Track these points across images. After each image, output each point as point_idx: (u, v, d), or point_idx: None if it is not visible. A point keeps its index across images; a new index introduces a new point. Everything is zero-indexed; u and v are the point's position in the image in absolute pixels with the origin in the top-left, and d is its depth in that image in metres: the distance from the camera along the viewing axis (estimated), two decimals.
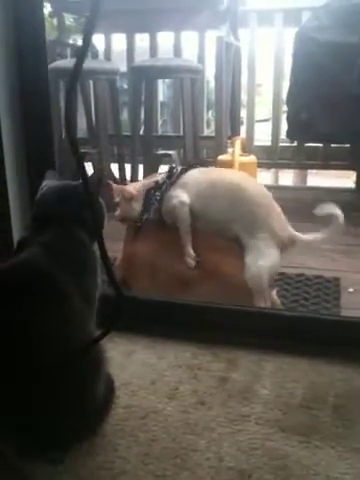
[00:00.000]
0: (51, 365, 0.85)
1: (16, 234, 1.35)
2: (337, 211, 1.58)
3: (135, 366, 1.27)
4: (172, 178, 1.70)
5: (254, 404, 1.12)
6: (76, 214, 1.01)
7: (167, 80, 4.20)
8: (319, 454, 0.98)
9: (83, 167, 0.85)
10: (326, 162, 3.17)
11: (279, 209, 1.65)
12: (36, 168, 1.40)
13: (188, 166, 1.77)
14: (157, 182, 1.71)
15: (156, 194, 1.70)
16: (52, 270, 0.92)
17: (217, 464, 0.96)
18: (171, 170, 1.72)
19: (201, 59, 3.31)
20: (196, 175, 1.71)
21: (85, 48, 0.75)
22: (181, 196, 1.67)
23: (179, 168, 1.73)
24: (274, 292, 1.68)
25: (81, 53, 0.75)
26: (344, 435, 1.03)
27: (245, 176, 1.79)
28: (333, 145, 3.09)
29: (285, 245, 1.61)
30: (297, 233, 1.64)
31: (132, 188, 1.75)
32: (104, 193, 1.13)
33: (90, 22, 0.71)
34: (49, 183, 1.07)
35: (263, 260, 1.58)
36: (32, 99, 1.36)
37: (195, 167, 1.77)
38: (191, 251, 1.65)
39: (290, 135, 3.02)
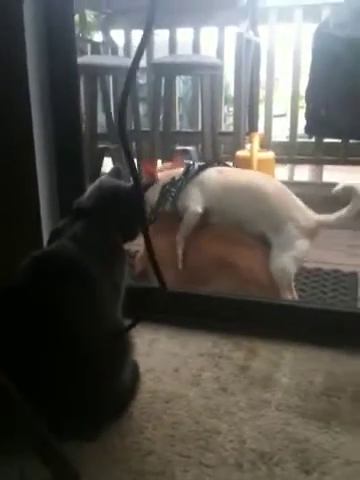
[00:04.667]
0: (83, 348, 0.90)
1: (45, 225, 1.40)
2: (357, 188, 1.58)
3: (159, 354, 1.31)
4: (189, 175, 1.73)
5: (275, 391, 1.16)
6: (109, 212, 1.06)
7: (184, 76, 4.22)
8: (339, 439, 1.02)
9: (134, 168, 0.90)
10: (345, 158, 3.18)
11: (299, 200, 1.68)
12: (64, 161, 1.45)
13: (206, 164, 1.79)
14: (173, 178, 1.74)
15: (171, 190, 1.73)
16: (82, 259, 0.97)
17: (240, 446, 1.00)
18: (188, 167, 1.75)
19: (220, 54, 3.33)
20: (213, 175, 1.73)
21: (142, 48, 0.79)
22: (195, 203, 1.69)
23: (196, 165, 1.76)
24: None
25: (137, 54, 0.78)
26: None
27: (261, 175, 1.81)
28: (352, 141, 3.09)
29: (313, 232, 1.64)
30: (321, 216, 1.66)
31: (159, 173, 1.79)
32: None
33: (148, 22, 0.74)
34: (104, 180, 1.12)
35: (288, 253, 1.61)
36: (62, 94, 1.40)
37: (213, 165, 1.78)
38: (180, 253, 1.70)
39: (308, 131, 3.02)
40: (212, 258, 1.66)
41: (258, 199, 1.66)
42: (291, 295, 1.63)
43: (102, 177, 1.15)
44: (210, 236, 1.71)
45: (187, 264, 1.70)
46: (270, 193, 1.66)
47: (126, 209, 1.05)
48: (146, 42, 0.79)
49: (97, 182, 1.12)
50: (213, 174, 1.74)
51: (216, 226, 1.72)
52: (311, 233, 1.64)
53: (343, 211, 1.62)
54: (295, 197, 1.69)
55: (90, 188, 1.11)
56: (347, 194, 1.60)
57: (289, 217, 1.63)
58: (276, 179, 1.78)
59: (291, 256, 1.61)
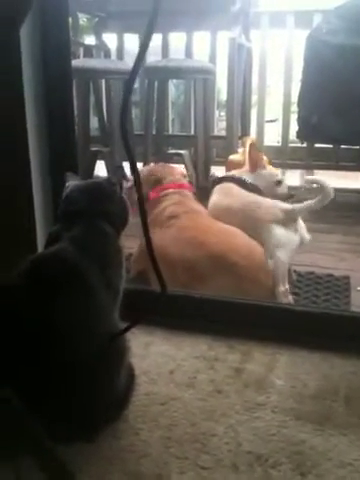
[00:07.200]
0: (79, 351, 0.90)
1: (40, 229, 1.40)
2: (325, 182, 1.73)
3: (154, 356, 1.31)
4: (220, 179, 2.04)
5: (269, 393, 1.17)
6: (102, 209, 1.07)
7: (175, 80, 4.24)
8: (332, 441, 1.03)
9: (136, 170, 0.91)
10: (336, 163, 3.20)
11: (266, 202, 1.84)
12: (58, 164, 1.45)
13: (225, 178, 2.04)
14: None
15: None
16: (79, 263, 0.97)
17: (235, 448, 1.00)
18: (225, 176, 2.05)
19: (212, 59, 3.34)
20: (220, 193, 1.97)
21: (143, 50, 0.79)
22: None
23: (236, 176, 2.01)
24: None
25: (139, 56, 0.79)
26: (356, 424, 1.08)
27: (235, 200, 1.90)
28: (343, 146, 3.12)
29: (287, 221, 1.76)
30: (289, 206, 1.79)
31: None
32: None
33: (149, 25, 0.75)
34: (73, 182, 1.13)
35: (276, 249, 1.73)
36: (56, 97, 1.40)
37: (228, 181, 1.99)
38: None
39: (300, 136, 3.05)
40: (212, 256, 1.66)
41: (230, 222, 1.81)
42: (283, 287, 1.70)
43: (70, 182, 1.14)
44: (211, 234, 1.75)
45: (187, 261, 1.70)
46: (238, 215, 1.83)
47: (113, 201, 1.09)
48: (149, 39, 0.79)
49: (70, 188, 1.11)
50: (220, 192, 1.97)
51: (218, 225, 1.81)
52: (285, 222, 1.76)
53: (311, 201, 1.75)
54: (259, 200, 1.85)
55: (69, 192, 1.10)
56: (316, 186, 1.78)
57: (259, 228, 1.77)
58: (242, 196, 1.91)
59: (279, 250, 1.73)
